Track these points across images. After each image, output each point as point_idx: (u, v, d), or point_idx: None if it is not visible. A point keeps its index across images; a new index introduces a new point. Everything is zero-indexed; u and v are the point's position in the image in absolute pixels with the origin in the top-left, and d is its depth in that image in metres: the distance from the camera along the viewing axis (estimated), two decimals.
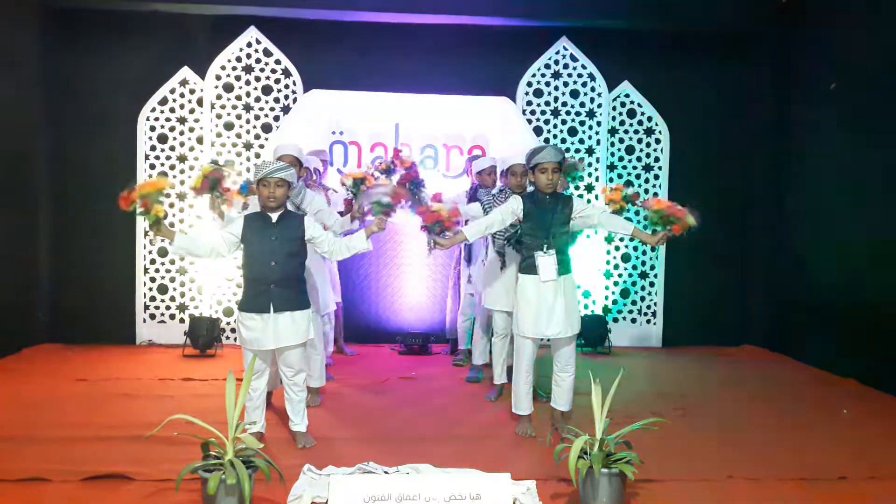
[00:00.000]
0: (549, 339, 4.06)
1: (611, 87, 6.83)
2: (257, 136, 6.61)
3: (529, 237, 3.99)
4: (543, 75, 6.81)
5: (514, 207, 3.99)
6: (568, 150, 6.85)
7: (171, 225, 6.45)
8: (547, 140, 6.81)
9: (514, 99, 6.75)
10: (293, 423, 3.83)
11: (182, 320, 6.50)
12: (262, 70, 6.60)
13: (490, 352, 5.10)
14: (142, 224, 6.49)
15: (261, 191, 3.65)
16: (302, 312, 3.71)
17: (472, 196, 5.44)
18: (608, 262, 6.89)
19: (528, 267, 3.99)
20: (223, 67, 6.55)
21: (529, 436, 4.01)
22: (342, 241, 3.79)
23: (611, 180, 6.90)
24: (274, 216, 3.68)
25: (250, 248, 3.67)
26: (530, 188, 4.18)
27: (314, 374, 4.56)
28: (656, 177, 6.90)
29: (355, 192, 4.34)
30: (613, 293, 6.93)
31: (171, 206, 6.54)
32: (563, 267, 3.98)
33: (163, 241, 6.41)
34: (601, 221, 4.05)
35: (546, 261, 3.92)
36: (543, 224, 3.95)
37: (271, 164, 3.65)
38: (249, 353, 3.68)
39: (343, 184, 4.53)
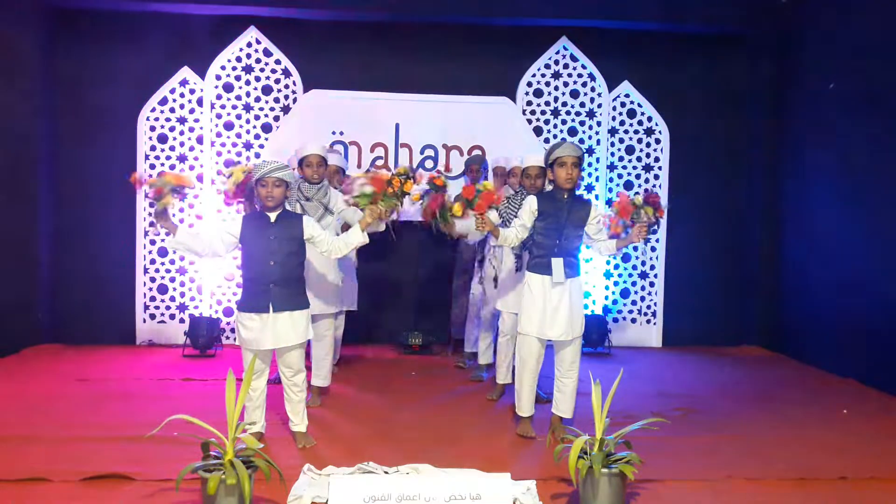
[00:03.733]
0: (551, 341, 4.01)
1: (611, 87, 6.83)
2: (257, 136, 6.61)
3: (542, 236, 3.91)
4: (543, 75, 6.82)
5: (531, 207, 3.91)
6: None
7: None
8: (547, 140, 6.81)
9: (514, 99, 6.76)
10: (293, 423, 3.83)
11: (182, 320, 6.50)
12: (262, 70, 6.60)
13: (495, 351, 5.09)
14: (142, 224, 6.50)
15: (259, 191, 3.63)
16: (301, 312, 3.70)
17: None
18: (608, 262, 6.90)
19: (538, 266, 3.92)
20: (223, 67, 6.56)
21: (530, 437, 3.99)
22: (339, 239, 3.78)
23: (610, 180, 6.90)
24: (273, 216, 3.66)
25: (249, 248, 3.66)
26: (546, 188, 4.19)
27: (322, 372, 4.55)
28: (656, 177, 6.91)
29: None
30: (613, 293, 6.93)
31: (171, 205, 6.53)
32: (572, 270, 3.92)
33: (164, 238, 6.41)
34: (594, 245, 4.05)
35: (557, 263, 3.86)
36: (557, 223, 3.88)
37: (269, 163, 3.63)
38: (249, 353, 3.67)
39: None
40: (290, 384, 3.79)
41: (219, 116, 6.58)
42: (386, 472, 3.31)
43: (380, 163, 6.59)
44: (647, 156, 6.92)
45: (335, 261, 4.48)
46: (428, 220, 4.04)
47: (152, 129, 6.53)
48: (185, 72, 6.52)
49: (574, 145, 3.88)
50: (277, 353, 3.73)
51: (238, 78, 6.58)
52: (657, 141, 6.90)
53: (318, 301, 4.33)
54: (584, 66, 6.81)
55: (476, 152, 6.49)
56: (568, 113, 6.85)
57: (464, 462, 3.49)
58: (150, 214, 6.43)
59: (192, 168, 6.55)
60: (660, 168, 6.90)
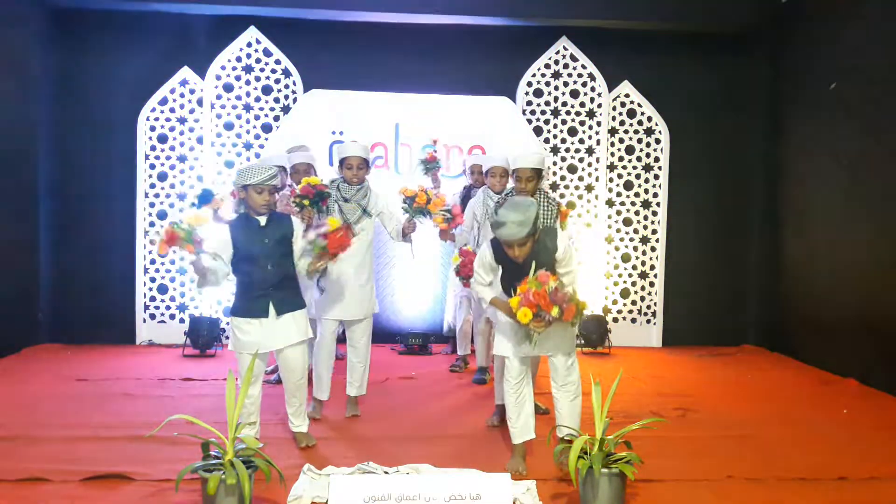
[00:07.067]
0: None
1: (611, 87, 6.83)
2: (257, 136, 6.61)
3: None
4: (543, 75, 6.81)
5: (489, 261, 3.46)
6: (568, 150, 6.85)
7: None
8: (547, 140, 6.81)
9: (514, 99, 6.76)
10: (293, 424, 3.81)
11: (182, 320, 6.50)
12: (262, 70, 6.60)
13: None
14: (142, 224, 6.50)
15: (254, 197, 3.51)
16: (301, 311, 3.67)
17: (466, 197, 5.40)
18: (608, 262, 6.89)
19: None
20: (223, 67, 6.56)
21: (519, 473, 3.38)
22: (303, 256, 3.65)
23: (610, 180, 6.90)
24: (262, 219, 3.58)
25: (243, 252, 3.53)
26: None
27: (323, 385, 4.40)
28: (656, 177, 6.90)
29: (407, 210, 4.23)
30: (613, 293, 6.93)
31: (172, 205, 6.55)
32: None
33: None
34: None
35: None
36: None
37: (262, 169, 3.50)
38: (246, 357, 3.54)
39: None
40: (293, 388, 3.74)
41: (219, 116, 6.58)
42: (386, 472, 3.31)
43: (380, 162, 6.60)
44: (647, 156, 6.92)
45: (371, 263, 4.39)
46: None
47: (152, 129, 6.53)
48: (185, 72, 6.52)
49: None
50: (280, 354, 3.66)
51: (238, 78, 6.58)
52: (657, 141, 6.90)
53: (361, 305, 4.28)
54: (584, 66, 6.81)
55: (476, 152, 6.49)
56: (568, 113, 6.84)
57: (464, 462, 3.49)
58: (145, 230, 6.45)
59: (192, 168, 6.56)
60: (660, 168, 6.90)
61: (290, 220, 3.69)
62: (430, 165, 5.75)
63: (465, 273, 4.16)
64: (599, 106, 6.83)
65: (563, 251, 3.36)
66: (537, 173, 4.10)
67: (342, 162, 4.24)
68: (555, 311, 3.12)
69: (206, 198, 4.71)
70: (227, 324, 6.53)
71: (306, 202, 4.15)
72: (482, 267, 3.49)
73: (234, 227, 3.58)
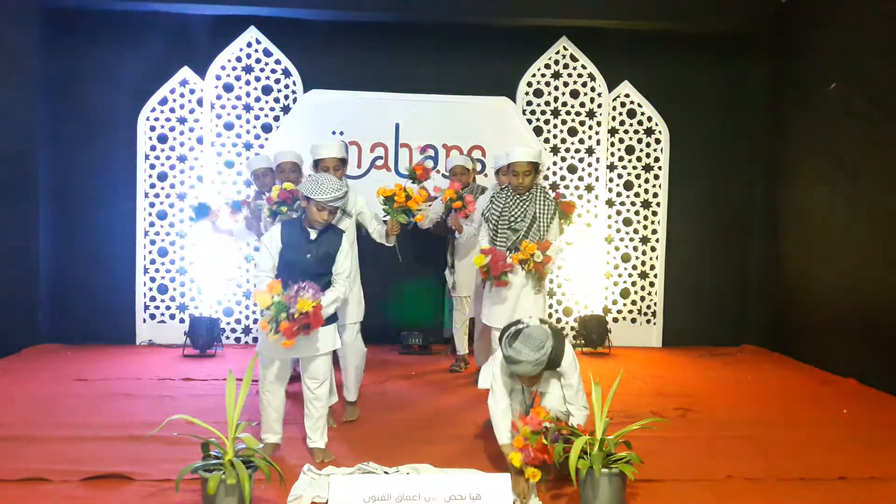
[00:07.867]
0: None
1: (611, 87, 6.83)
2: (257, 136, 6.61)
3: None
4: (543, 75, 6.81)
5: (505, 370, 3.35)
6: (568, 150, 6.85)
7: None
8: (547, 140, 6.80)
9: (514, 99, 6.75)
10: (311, 440, 3.64)
11: (182, 320, 6.49)
12: (262, 70, 6.60)
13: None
14: (142, 224, 6.50)
15: (313, 211, 3.45)
16: (332, 326, 3.59)
17: None
18: (608, 262, 6.89)
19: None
20: (223, 67, 6.56)
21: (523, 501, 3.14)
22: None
23: (610, 180, 6.89)
24: (314, 233, 3.52)
25: (284, 259, 3.49)
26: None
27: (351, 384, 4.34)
28: (656, 177, 6.90)
29: (388, 211, 4.11)
30: (613, 293, 6.93)
31: (172, 205, 6.55)
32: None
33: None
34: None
35: None
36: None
37: (332, 187, 3.42)
38: (270, 362, 3.50)
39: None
40: (313, 398, 3.61)
41: (219, 116, 6.58)
42: (386, 472, 3.32)
43: (380, 163, 6.60)
44: (647, 156, 6.92)
45: (356, 265, 4.37)
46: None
47: (152, 129, 6.53)
48: (185, 72, 6.52)
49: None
50: (303, 363, 3.60)
51: (238, 78, 6.58)
52: (657, 141, 6.89)
53: (348, 309, 4.20)
54: (584, 66, 6.81)
55: (476, 153, 6.50)
56: (568, 113, 6.84)
57: (464, 462, 3.49)
58: (145, 230, 6.46)
59: (192, 168, 6.56)
60: (660, 168, 6.90)
61: (341, 237, 3.60)
62: (418, 181, 5.23)
63: (497, 271, 3.96)
64: (599, 106, 6.83)
65: (566, 363, 3.29)
66: (534, 167, 4.14)
67: (317, 163, 4.13)
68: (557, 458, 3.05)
69: (202, 211, 4.66)
70: (228, 323, 6.53)
71: (284, 209, 4.08)
72: (503, 375, 3.37)
73: (285, 229, 3.54)
